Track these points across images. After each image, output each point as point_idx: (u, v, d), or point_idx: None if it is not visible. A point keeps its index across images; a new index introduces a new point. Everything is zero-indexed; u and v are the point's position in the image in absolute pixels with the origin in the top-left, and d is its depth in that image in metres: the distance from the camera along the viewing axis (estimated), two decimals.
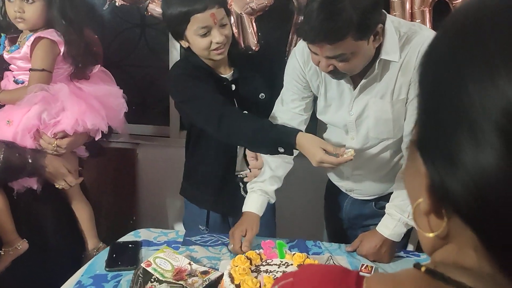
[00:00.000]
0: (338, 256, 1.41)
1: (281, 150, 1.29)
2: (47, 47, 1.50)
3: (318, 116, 1.49)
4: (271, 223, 1.75)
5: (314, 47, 1.18)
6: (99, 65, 1.70)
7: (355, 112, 1.36)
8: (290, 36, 1.96)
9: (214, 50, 1.43)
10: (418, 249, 1.64)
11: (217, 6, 1.40)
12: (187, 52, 1.54)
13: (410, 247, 1.76)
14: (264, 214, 1.65)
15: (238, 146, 1.58)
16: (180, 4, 1.39)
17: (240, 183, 1.63)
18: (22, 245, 1.53)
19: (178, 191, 2.10)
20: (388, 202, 1.43)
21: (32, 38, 1.49)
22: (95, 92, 1.60)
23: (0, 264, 1.50)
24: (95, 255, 1.79)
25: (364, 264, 1.32)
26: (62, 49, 1.54)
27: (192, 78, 1.47)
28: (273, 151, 1.33)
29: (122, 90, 1.70)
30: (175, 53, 2.35)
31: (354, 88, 1.34)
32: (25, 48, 1.49)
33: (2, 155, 1.39)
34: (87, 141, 1.64)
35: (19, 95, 1.48)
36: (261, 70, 1.60)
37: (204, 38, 1.40)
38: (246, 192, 1.60)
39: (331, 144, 1.26)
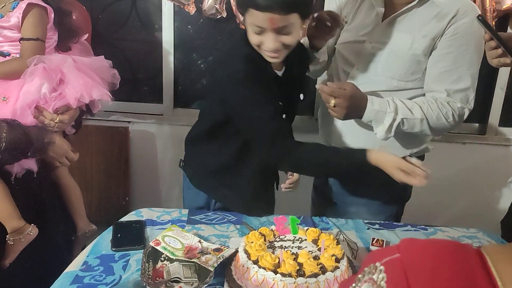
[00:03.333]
0: (346, 231, 1.40)
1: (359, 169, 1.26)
2: (40, 15, 1.41)
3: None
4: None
5: None
6: (85, 36, 1.63)
7: (374, 41, 1.40)
8: None
9: (265, 50, 1.23)
10: None
11: (285, 13, 1.13)
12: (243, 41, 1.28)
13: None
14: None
15: None
16: None
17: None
18: (33, 230, 1.44)
19: (171, 169, 2.00)
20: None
21: (23, 5, 1.39)
22: (90, 64, 1.53)
23: (11, 254, 1.42)
24: (87, 236, 1.77)
25: (374, 238, 1.31)
26: (51, 18, 1.46)
27: (252, 83, 1.25)
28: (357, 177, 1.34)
29: (111, 61, 1.64)
30: (168, 27, 2.27)
31: (383, 20, 1.39)
32: (16, 17, 1.39)
33: (5, 135, 1.28)
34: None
35: (12, 68, 1.39)
36: (306, 70, 1.53)
37: (257, 35, 1.20)
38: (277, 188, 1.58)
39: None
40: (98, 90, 1.48)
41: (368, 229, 1.42)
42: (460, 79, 1.34)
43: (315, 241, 1.14)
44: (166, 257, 1.16)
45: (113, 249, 1.23)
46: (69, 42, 1.55)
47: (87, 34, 1.66)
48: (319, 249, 1.10)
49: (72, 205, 1.71)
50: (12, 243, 1.41)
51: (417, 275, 0.38)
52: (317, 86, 1.32)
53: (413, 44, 1.35)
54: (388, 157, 1.21)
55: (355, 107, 1.30)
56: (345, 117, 1.32)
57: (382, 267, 0.40)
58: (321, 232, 1.17)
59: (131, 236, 1.29)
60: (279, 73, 1.37)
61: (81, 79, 1.45)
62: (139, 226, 1.34)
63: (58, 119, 1.43)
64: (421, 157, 1.52)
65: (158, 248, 1.18)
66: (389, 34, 1.38)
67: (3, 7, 1.42)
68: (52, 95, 1.40)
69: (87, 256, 1.21)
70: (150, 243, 1.20)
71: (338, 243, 1.11)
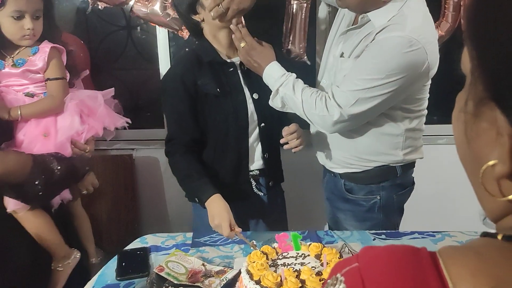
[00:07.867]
0: (352, 243, 1.39)
1: (197, 200, 1.47)
2: (60, 56, 1.53)
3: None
4: (283, 218, 1.72)
5: None
6: (87, 72, 1.73)
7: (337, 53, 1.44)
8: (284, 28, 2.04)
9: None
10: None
11: None
12: (191, 41, 1.55)
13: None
14: (276, 209, 1.65)
15: (249, 145, 1.54)
16: None
17: (252, 180, 1.57)
18: (78, 253, 1.58)
19: (178, 193, 2.02)
20: (356, 183, 1.50)
21: (46, 49, 1.47)
22: (102, 97, 1.61)
23: (61, 280, 1.52)
24: (100, 260, 1.79)
25: None
26: (64, 58, 1.57)
27: (175, 88, 1.47)
28: (191, 199, 1.56)
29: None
30: (164, 54, 2.30)
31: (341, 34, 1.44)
32: (41, 60, 1.47)
33: (57, 166, 1.37)
34: None
35: (44, 107, 1.47)
36: None
37: None
38: (258, 189, 1.58)
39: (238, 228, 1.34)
40: (119, 119, 1.63)
41: (374, 239, 1.40)
42: (350, 82, 1.29)
43: (318, 256, 1.13)
44: (171, 283, 1.16)
45: (118, 278, 1.23)
46: (72, 79, 1.62)
47: (87, 70, 1.74)
48: (322, 264, 1.09)
49: (84, 234, 1.78)
50: (62, 269, 1.53)
51: (372, 282, 0.38)
52: (232, 26, 1.40)
53: (345, 64, 1.37)
54: (218, 211, 1.35)
55: (257, 62, 1.41)
56: (246, 64, 1.45)
57: (342, 277, 0.40)
58: (324, 247, 1.16)
59: (135, 264, 1.29)
60: (235, 59, 1.49)
61: (104, 110, 1.58)
62: (143, 254, 1.35)
63: (88, 148, 1.54)
64: (411, 164, 1.51)
65: (162, 274, 1.18)
66: (340, 50, 1.42)
67: (18, 53, 1.47)
68: (83, 127, 1.52)
69: (93, 287, 1.21)
70: (154, 270, 1.20)
71: (341, 256, 1.10)
